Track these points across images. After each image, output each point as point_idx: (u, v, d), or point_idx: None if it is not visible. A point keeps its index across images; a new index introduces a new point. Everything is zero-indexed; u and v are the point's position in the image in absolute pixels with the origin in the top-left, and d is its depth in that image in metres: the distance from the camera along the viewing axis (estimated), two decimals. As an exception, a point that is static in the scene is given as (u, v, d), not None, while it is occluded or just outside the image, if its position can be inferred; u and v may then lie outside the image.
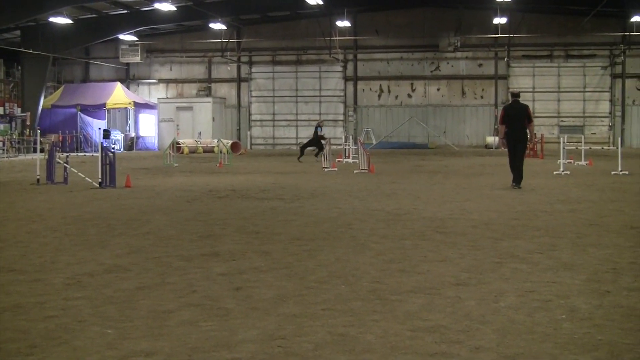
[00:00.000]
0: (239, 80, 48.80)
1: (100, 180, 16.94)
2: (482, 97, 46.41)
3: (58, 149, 26.37)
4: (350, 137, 33.78)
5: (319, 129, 31.45)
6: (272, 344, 4.68)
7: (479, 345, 4.62)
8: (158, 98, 47.95)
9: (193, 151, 40.23)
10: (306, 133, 43.77)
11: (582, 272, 6.88)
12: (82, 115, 43.14)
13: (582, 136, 31.80)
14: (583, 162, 25.13)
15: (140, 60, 47.75)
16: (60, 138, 40.06)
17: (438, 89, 46.69)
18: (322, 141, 29.17)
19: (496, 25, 42.42)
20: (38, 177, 18.44)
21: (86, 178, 17.97)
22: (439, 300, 5.82)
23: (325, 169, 23.68)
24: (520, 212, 11.60)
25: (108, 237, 9.24)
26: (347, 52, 46.75)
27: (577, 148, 26.97)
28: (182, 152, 37.99)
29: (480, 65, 46.40)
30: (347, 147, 30.74)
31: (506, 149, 16.42)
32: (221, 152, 29.85)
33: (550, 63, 45.77)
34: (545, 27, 44.74)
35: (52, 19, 38.15)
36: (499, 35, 43.10)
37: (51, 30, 40.34)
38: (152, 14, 41.48)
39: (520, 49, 45.66)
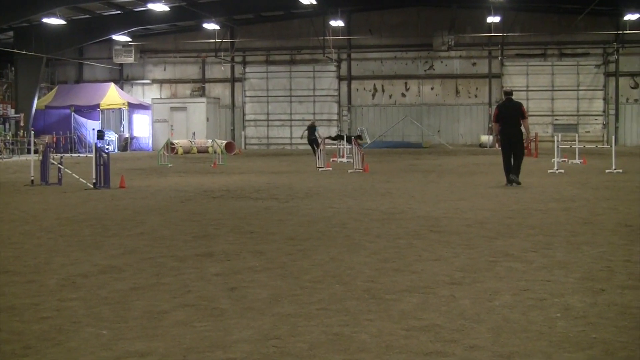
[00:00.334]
0: (232, 80, 48.78)
1: (94, 181, 16.90)
2: (476, 96, 46.48)
3: (52, 149, 26.32)
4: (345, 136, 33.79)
5: (315, 130, 32.06)
6: (267, 344, 4.67)
7: (473, 344, 4.63)
8: (152, 98, 47.92)
9: (187, 151, 40.19)
10: (301, 133, 43.72)
11: (576, 270, 6.89)
12: (76, 116, 43.07)
13: (576, 134, 31.90)
14: (577, 161, 25.18)
15: (134, 60, 47.71)
16: (54, 139, 39.98)
17: (432, 88, 46.74)
18: (318, 140, 29.46)
19: (490, 24, 42.52)
20: (32, 178, 18.40)
21: (80, 179, 17.94)
22: (434, 299, 5.82)
23: (320, 169, 23.69)
24: (514, 211, 11.61)
25: (102, 238, 9.22)
26: (340, 51, 46.78)
27: (571, 146, 27.04)
28: (177, 153, 37.94)
29: (474, 64, 46.46)
30: (341, 146, 30.75)
31: (500, 148, 16.46)
32: (215, 152, 29.83)
33: (543, 62, 45.85)
34: (538, 26, 44.82)
35: (45, 20, 38.07)
36: (493, 34, 43.17)
37: (44, 31, 40.25)
38: (145, 15, 41.43)
39: (513, 48, 45.74)
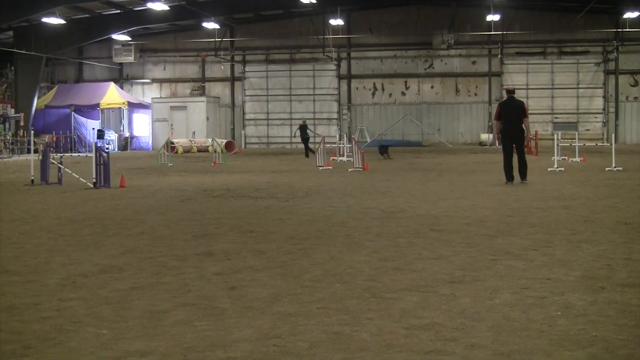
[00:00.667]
0: (232, 79, 48.75)
1: (94, 180, 16.90)
2: (475, 94, 46.45)
3: (52, 149, 26.32)
4: (345, 135, 33.81)
5: (307, 129, 32.45)
6: (267, 343, 4.67)
7: (474, 343, 4.63)
8: (152, 98, 47.88)
9: (187, 151, 40.17)
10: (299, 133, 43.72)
11: (576, 268, 6.89)
12: (76, 115, 43.04)
13: (576, 133, 31.87)
14: (577, 159, 25.18)
15: (134, 60, 47.66)
16: (54, 138, 39.95)
17: (432, 87, 46.71)
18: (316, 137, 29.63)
19: (489, 22, 42.47)
20: (32, 177, 18.41)
21: (80, 178, 17.95)
22: (434, 298, 5.82)
23: (320, 168, 23.69)
24: (514, 209, 11.61)
25: (102, 238, 9.22)
26: (340, 50, 46.74)
27: (571, 145, 27.03)
28: (177, 152, 37.93)
29: (473, 62, 46.42)
30: (341, 145, 30.75)
31: (500, 146, 16.47)
32: (215, 151, 29.82)
33: (543, 60, 45.82)
34: (538, 24, 44.80)
35: (45, 19, 38.03)
36: (492, 33, 43.11)
37: (44, 30, 40.23)
38: (145, 14, 41.39)
39: (513, 46, 45.70)
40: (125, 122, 45.95)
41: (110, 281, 6.61)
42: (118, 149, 43.45)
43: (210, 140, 39.52)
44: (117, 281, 6.60)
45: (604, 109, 45.29)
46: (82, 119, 43.32)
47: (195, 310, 5.55)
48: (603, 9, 41.46)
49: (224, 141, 37.73)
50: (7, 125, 40.94)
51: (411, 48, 46.39)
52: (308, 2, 37.56)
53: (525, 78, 45.65)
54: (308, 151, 32.32)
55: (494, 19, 41.58)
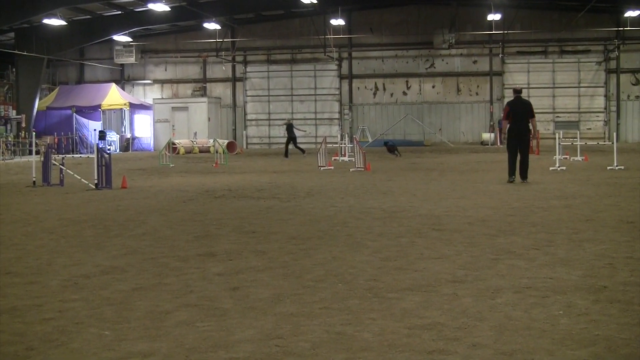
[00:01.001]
0: (234, 79, 48.76)
1: (96, 181, 16.92)
2: (477, 93, 46.43)
3: (54, 150, 26.33)
4: (346, 135, 33.80)
5: (293, 128, 32.69)
6: (270, 344, 4.68)
7: (476, 342, 4.63)
8: (153, 99, 47.89)
9: (189, 151, 40.19)
10: (298, 133, 43.69)
11: (578, 267, 6.89)
12: (78, 116, 43.05)
13: (578, 132, 31.86)
14: (579, 158, 25.17)
15: (135, 61, 47.69)
16: (56, 140, 39.97)
17: (433, 86, 46.70)
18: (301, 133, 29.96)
19: (490, 21, 42.46)
20: (34, 179, 18.41)
21: (82, 180, 17.95)
22: (436, 298, 5.82)
23: (322, 168, 23.69)
24: (516, 209, 11.61)
25: (104, 239, 9.23)
26: (341, 50, 46.74)
27: (572, 144, 27.00)
28: (178, 153, 37.94)
29: (474, 62, 46.40)
30: (343, 145, 30.74)
31: (503, 145, 16.52)
32: (217, 152, 29.83)
33: (544, 59, 45.79)
34: (539, 23, 44.78)
35: (46, 21, 38.04)
36: (493, 32, 43.11)
37: (45, 31, 40.24)
38: (146, 15, 41.40)
39: (514, 45, 45.68)
40: (126, 123, 45.98)
41: (112, 282, 6.61)
42: (120, 150, 43.48)
43: (211, 140, 39.52)
44: (119, 282, 6.61)
45: (605, 108, 45.25)
46: (84, 120, 43.33)
47: (198, 311, 5.55)
48: (604, 8, 41.43)
49: (226, 142, 37.75)
50: (8, 126, 40.96)
51: (412, 48, 46.38)
52: (309, 2, 37.55)
53: (527, 77, 45.61)
54: (298, 150, 32.82)
55: (495, 19, 41.56)
